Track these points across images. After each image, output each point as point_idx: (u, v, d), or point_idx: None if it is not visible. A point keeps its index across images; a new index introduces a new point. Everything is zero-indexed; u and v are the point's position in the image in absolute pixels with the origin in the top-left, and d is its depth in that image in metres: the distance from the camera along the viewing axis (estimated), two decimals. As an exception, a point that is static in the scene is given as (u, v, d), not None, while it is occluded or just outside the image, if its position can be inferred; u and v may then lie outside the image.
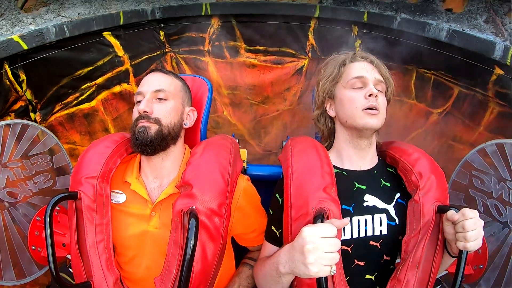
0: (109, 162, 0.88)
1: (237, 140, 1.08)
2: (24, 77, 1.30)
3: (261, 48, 1.99)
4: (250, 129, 2.18)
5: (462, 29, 1.42)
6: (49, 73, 1.42)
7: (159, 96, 0.92)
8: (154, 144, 0.88)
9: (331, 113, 0.93)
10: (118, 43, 1.71)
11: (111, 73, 1.72)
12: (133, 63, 1.82)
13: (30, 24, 1.34)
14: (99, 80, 1.67)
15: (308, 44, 1.94)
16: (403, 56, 1.67)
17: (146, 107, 0.89)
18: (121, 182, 0.93)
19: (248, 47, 1.98)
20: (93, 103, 1.68)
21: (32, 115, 1.37)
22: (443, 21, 1.50)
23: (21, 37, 1.25)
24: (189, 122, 0.97)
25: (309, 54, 1.97)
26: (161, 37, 1.95)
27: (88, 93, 1.64)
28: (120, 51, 1.74)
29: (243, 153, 1.23)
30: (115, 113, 1.81)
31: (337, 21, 1.79)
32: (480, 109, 1.48)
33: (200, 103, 1.10)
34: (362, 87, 0.87)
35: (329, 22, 1.80)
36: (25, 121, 1.15)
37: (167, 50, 2.01)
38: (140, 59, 1.86)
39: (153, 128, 0.88)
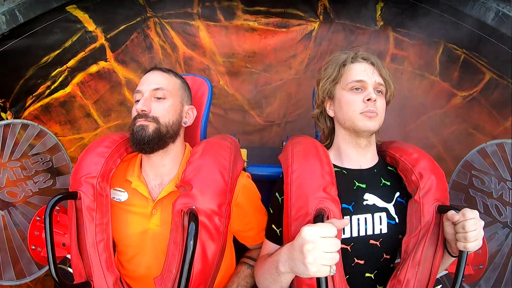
0: (109, 162, 0.98)
1: (238, 140, 1.07)
2: None
3: (262, 8, 1.81)
4: (250, 100, 2.11)
5: None
6: (10, 68, 1.38)
7: (157, 95, 1.03)
8: (152, 143, 0.98)
9: (331, 113, 1.00)
10: (86, 16, 1.58)
11: (83, 53, 1.64)
12: (108, 36, 1.71)
13: (-24, 16, 1.33)
14: (71, 63, 1.60)
15: (319, 4, 1.78)
16: (433, 28, 1.59)
17: (144, 106, 1.00)
18: (122, 180, 1.07)
19: (246, 8, 1.82)
20: (68, 89, 1.62)
21: (3, 115, 1.39)
22: None
23: None
24: (188, 121, 1.04)
25: (321, 17, 1.82)
26: (140, 1, 1.78)
27: (60, 79, 1.58)
28: (90, 26, 1.62)
29: (243, 152, 1.23)
30: (96, 95, 1.75)
31: (357, -22, 1.76)
32: (510, 102, 1.44)
33: (200, 103, 1.18)
34: (361, 90, 0.94)
35: None
36: (24, 121, 1.18)
37: (148, 15, 1.83)
38: (117, 31, 1.73)
39: (151, 127, 0.98)
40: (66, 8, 1.47)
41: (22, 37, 1.34)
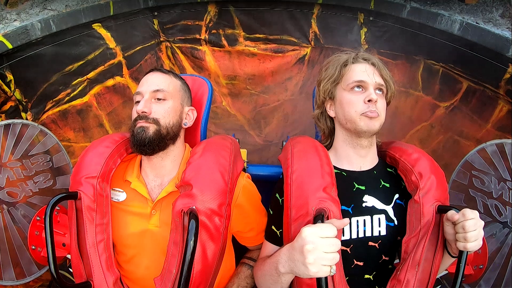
0: (109, 162, 0.91)
1: (238, 140, 1.07)
2: (12, 77, 1.30)
3: (261, 36, 1.95)
4: (250, 120, 2.17)
5: (476, 23, 1.39)
6: (37, 71, 1.41)
7: (158, 96, 0.95)
8: (152, 144, 0.91)
9: (331, 113, 0.95)
10: (109, 34, 1.68)
11: (103, 67, 1.70)
12: (126, 54, 1.79)
13: (14, 20, 1.31)
14: (91, 75, 1.66)
15: (310, 31, 1.91)
16: (411, 46, 1.65)
17: (145, 107, 0.92)
18: (121, 180, 0.98)
19: (247, 35, 1.95)
20: (85, 98, 1.67)
21: (23, 114, 1.38)
22: (455, 12, 1.47)
23: (5, 36, 1.24)
24: (188, 122, 0.99)
25: (312, 42, 1.94)
26: (155, 26, 1.91)
27: (80, 88, 1.63)
28: (111, 43, 1.71)
29: (243, 153, 1.22)
30: (109, 107, 1.80)
31: (342, 8, 1.77)
32: (489, 105, 1.47)
33: (200, 103, 1.13)
34: (362, 91, 0.90)
35: (333, 9, 1.78)
36: (25, 121, 1.17)
37: (161, 39, 1.96)
38: (133, 50, 1.83)
39: (152, 128, 0.91)
40: (92, 25, 1.56)
41: (52, 45, 1.42)
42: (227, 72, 2.05)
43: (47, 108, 1.49)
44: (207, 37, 1.95)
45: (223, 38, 1.96)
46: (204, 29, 1.94)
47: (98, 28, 1.61)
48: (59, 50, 1.46)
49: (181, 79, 1.03)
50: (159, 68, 1.01)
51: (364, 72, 0.92)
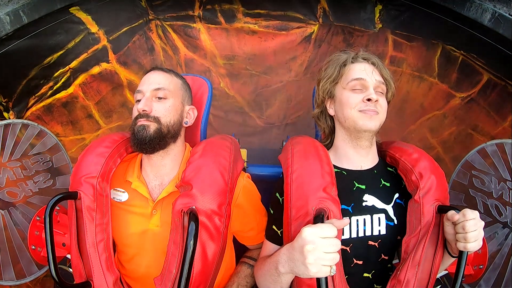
0: (109, 162, 0.98)
1: (238, 140, 1.07)
2: None
3: (262, 11, 1.84)
4: (250, 102, 2.13)
5: (510, 14, 1.31)
6: (13, 68, 1.39)
7: (159, 95, 1.02)
8: (153, 143, 0.97)
9: (331, 111, 1.01)
10: (89, 18, 1.60)
11: (86, 54, 1.65)
12: (110, 38, 1.72)
13: (-19, 16, 1.32)
14: (73, 64, 1.61)
15: (319, 7, 1.81)
16: (430, 30, 1.62)
17: (145, 106, 0.99)
18: (123, 181, 1.06)
19: (246, 11, 1.84)
20: (70, 89, 1.64)
21: (5, 114, 1.40)
22: None
23: None
24: (189, 121, 1.04)
25: (320, 20, 1.84)
26: (142, 3, 1.80)
27: (63, 80, 1.59)
28: (93, 27, 1.64)
29: (243, 152, 1.22)
30: (98, 96, 1.76)
31: (355, -18, 1.78)
32: (508, 102, 1.46)
33: (200, 103, 1.18)
34: (362, 90, 0.94)
35: None
36: (25, 121, 1.17)
37: (150, 17, 1.85)
38: (119, 32, 1.75)
39: (152, 127, 0.98)
40: (69, 9, 1.49)
41: (25, 38, 1.36)
42: (225, 51, 1.95)
43: (30, 104, 1.49)
44: (201, 13, 1.84)
45: (219, 14, 1.84)
46: (197, 4, 1.82)
47: (77, 12, 1.53)
48: (35, 42, 1.41)
49: (181, 78, 1.08)
50: (160, 67, 1.09)
51: (364, 71, 0.96)
